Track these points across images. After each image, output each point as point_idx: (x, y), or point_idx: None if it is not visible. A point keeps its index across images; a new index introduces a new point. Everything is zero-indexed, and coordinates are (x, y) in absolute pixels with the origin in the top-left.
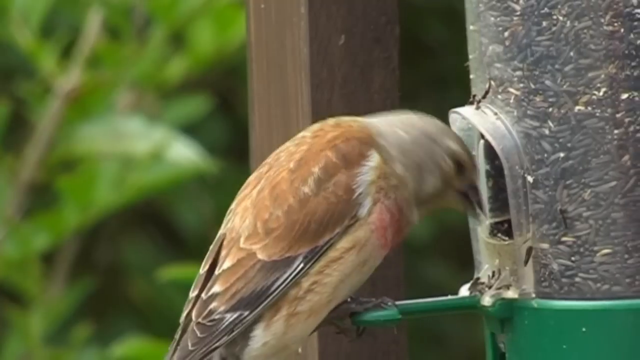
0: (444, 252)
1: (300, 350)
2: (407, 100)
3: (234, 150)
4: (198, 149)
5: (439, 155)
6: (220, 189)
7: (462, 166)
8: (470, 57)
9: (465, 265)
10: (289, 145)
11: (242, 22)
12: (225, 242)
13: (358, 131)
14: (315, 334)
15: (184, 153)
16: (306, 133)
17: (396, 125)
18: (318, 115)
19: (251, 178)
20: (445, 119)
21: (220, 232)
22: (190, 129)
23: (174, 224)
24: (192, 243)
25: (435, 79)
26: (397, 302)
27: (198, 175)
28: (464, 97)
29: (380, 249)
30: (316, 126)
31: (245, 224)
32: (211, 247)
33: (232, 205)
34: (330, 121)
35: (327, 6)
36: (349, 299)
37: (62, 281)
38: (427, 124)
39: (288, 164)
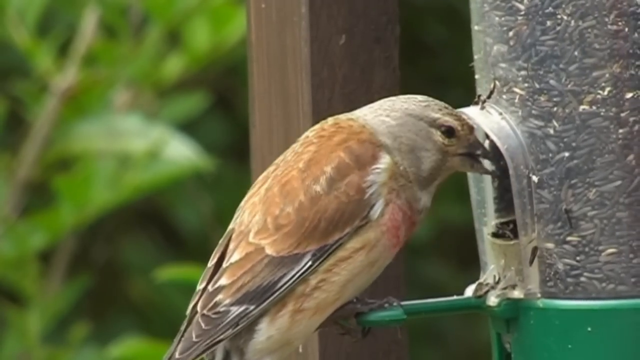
0: (444, 252)
1: (300, 349)
2: None
3: (234, 149)
4: (195, 147)
5: (425, 129)
6: (220, 188)
7: (452, 130)
8: (475, 57)
9: (465, 265)
10: (294, 146)
11: (238, 20)
12: (234, 236)
13: (364, 133)
14: (316, 333)
15: (181, 151)
16: (309, 133)
17: (381, 114)
18: (319, 114)
19: (259, 178)
20: None
21: (230, 227)
22: (191, 129)
23: (174, 223)
24: (191, 242)
25: (435, 79)
26: (403, 303)
27: (196, 174)
28: (464, 97)
29: (391, 248)
30: (317, 126)
31: (255, 219)
32: (220, 240)
33: (241, 203)
34: (330, 120)
35: (328, 6)
36: (354, 299)
37: (59, 280)
38: (409, 102)
39: (297, 164)
